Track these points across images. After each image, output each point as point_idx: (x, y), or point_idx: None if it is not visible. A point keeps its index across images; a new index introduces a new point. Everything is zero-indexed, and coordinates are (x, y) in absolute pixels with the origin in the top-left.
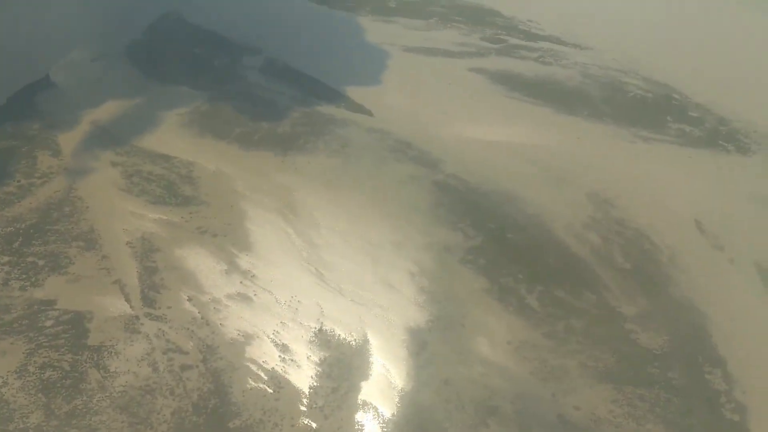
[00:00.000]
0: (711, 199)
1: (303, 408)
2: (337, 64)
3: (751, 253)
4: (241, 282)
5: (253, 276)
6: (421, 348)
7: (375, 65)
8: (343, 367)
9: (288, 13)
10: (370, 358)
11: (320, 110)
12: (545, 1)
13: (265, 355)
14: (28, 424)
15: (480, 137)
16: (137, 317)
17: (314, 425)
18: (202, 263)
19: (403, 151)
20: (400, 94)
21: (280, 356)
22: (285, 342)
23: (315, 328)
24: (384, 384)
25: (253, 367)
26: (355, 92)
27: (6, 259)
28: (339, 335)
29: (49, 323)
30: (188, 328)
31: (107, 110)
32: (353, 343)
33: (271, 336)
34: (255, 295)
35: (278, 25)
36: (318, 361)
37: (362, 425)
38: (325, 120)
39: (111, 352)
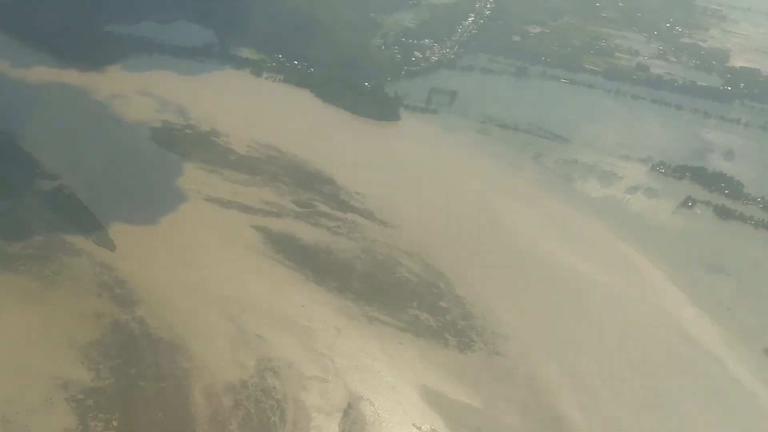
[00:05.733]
0: (383, 386)
1: None
2: (125, 200)
3: None
4: None
5: None
6: None
7: (162, 207)
8: None
9: (122, 151)
10: None
11: (66, 238)
12: (388, 179)
13: None
14: None
15: (206, 288)
16: None
17: None
18: None
19: (111, 289)
20: (159, 237)
21: None
22: None
23: None
24: None
25: None
26: (117, 228)
27: None
28: None
29: None
30: None
31: None
32: None
33: None
34: None
35: (101, 160)
36: None
37: None
38: (61, 247)
39: None
